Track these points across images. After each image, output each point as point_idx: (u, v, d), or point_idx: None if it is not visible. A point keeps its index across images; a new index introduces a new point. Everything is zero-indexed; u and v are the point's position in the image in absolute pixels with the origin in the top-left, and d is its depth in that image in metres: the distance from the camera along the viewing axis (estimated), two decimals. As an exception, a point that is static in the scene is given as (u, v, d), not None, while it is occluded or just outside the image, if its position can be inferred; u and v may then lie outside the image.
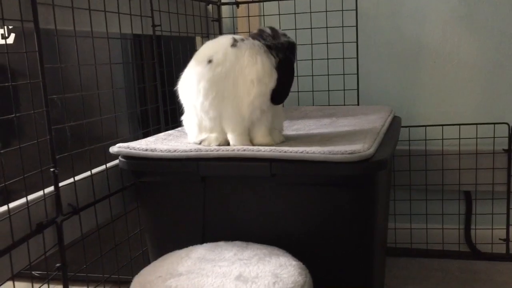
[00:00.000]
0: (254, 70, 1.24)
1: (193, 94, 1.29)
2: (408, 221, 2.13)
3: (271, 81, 1.26)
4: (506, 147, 1.98)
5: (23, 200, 1.13)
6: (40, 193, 1.17)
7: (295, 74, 1.33)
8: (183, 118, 1.39)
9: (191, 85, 1.29)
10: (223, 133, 1.30)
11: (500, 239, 2.04)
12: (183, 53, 1.81)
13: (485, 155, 2.00)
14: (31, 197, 1.15)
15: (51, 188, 1.21)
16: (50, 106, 1.18)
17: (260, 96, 1.25)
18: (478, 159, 2.00)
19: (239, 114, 1.27)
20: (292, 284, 1.03)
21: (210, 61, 1.26)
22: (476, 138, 2.01)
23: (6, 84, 1.11)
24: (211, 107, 1.27)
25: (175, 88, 1.37)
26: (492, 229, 2.05)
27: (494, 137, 2.00)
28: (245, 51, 1.26)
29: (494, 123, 2.00)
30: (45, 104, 1.16)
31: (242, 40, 1.29)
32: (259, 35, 1.29)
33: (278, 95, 1.28)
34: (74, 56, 1.30)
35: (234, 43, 1.27)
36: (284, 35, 1.30)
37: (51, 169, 1.18)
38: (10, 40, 1.78)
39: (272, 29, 1.31)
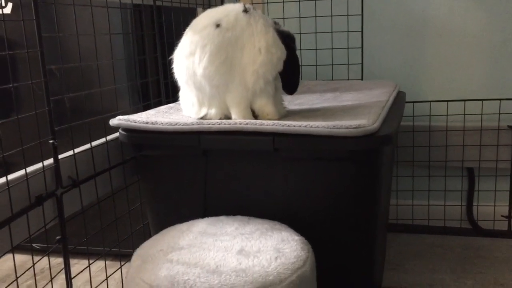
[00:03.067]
0: (264, 38, 1.22)
1: (195, 60, 1.22)
2: (410, 197, 2.12)
3: (278, 51, 1.23)
4: (511, 124, 1.96)
5: (22, 172, 1.11)
6: (39, 165, 1.16)
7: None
8: (180, 94, 1.36)
9: (193, 51, 1.23)
10: (224, 108, 1.27)
11: (502, 216, 2.04)
12: (184, 24, 1.77)
13: (489, 131, 1.98)
14: (30, 169, 1.14)
15: (51, 161, 1.19)
16: (49, 77, 1.15)
17: (265, 65, 1.22)
18: (483, 136, 1.98)
19: (244, 84, 1.24)
20: (294, 259, 1.02)
21: (218, 25, 1.22)
22: (481, 114, 1.98)
23: (3, 53, 1.08)
24: (216, 73, 1.21)
25: (170, 58, 1.32)
26: (494, 206, 2.05)
27: (499, 113, 1.97)
28: (258, 18, 1.24)
29: (500, 99, 1.97)
30: (43, 75, 1.13)
31: (254, 8, 1.26)
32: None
33: (290, 81, 1.27)
34: (73, 27, 1.27)
35: (246, 10, 1.24)
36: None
37: (50, 141, 1.16)
38: (8, 9, 1.75)
39: (273, 20, 1.29)
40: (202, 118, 1.28)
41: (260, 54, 1.22)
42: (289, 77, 1.27)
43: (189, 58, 1.24)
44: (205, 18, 1.27)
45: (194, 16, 2.05)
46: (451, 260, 1.84)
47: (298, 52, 1.30)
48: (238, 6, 1.25)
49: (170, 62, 1.34)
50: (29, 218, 1.12)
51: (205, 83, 1.24)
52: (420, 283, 1.69)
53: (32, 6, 1.11)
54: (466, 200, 2.11)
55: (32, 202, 1.13)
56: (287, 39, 1.25)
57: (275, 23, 1.27)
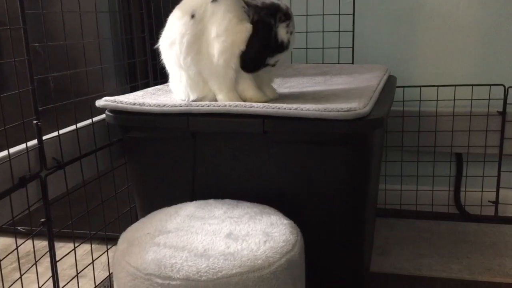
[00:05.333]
0: (215, 27, 1.18)
1: (176, 50, 1.23)
2: (399, 182, 2.12)
3: (229, 37, 1.17)
4: (500, 109, 1.96)
5: (5, 153, 1.09)
6: (23, 146, 1.13)
7: (281, 40, 1.20)
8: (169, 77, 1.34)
9: (174, 40, 1.23)
10: (211, 92, 1.26)
11: (489, 201, 2.05)
12: (173, 4, 1.73)
13: (479, 117, 1.98)
14: (13, 150, 1.11)
15: (35, 142, 1.16)
16: (33, 56, 1.12)
17: (222, 53, 1.18)
18: (472, 121, 1.98)
19: (217, 73, 1.22)
20: (283, 242, 1.01)
21: (193, 16, 1.21)
22: (471, 99, 1.98)
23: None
24: (192, 63, 1.22)
25: (157, 46, 1.31)
26: (482, 191, 2.06)
27: (489, 99, 1.97)
28: (222, 7, 1.19)
29: (490, 85, 1.97)
30: (26, 52, 1.10)
31: None
32: None
33: (246, 59, 1.19)
34: (58, 5, 1.23)
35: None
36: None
37: (34, 121, 1.13)
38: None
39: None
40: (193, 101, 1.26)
41: (215, 43, 1.19)
42: (246, 53, 1.19)
43: (172, 47, 1.25)
44: (184, 6, 1.25)
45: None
46: (438, 245, 1.85)
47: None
48: None
49: (158, 43, 1.31)
50: (12, 200, 1.09)
51: (188, 71, 1.24)
52: (407, 267, 1.70)
53: (14, -19, 1.07)
54: (454, 185, 2.12)
55: (15, 184, 1.10)
56: (262, 13, 1.19)
57: None
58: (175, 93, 1.32)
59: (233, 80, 1.23)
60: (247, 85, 1.25)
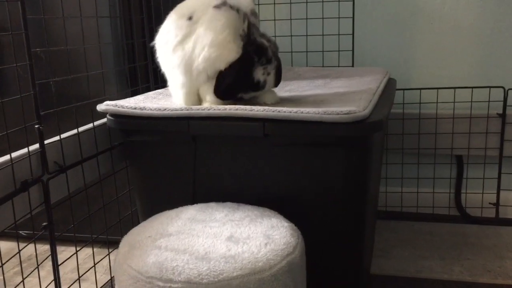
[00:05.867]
0: (209, 35, 1.18)
1: (169, 52, 1.24)
2: (400, 185, 2.12)
3: (218, 51, 1.17)
4: (500, 111, 1.96)
5: (7, 157, 1.09)
6: (25, 150, 1.13)
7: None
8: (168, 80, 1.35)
9: (167, 41, 1.24)
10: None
11: (490, 203, 2.05)
12: (173, 8, 1.74)
13: (479, 119, 1.98)
14: (15, 154, 1.11)
15: (36, 146, 1.17)
16: (34, 61, 1.13)
17: (207, 61, 1.19)
18: (472, 123, 1.99)
19: (189, 71, 1.22)
20: (284, 245, 1.02)
21: (190, 18, 1.21)
22: (471, 102, 1.99)
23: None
24: (180, 67, 1.22)
25: (151, 44, 1.31)
26: (482, 193, 2.06)
27: (489, 101, 1.97)
28: (223, 18, 1.18)
29: (490, 87, 1.97)
30: (28, 58, 1.11)
31: (231, 6, 1.20)
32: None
33: (220, 85, 1.19)
34: (59, 11, 1.24)
35: (220, 5, 1.20)
36: (263, 35, 1.23)
37: (36, 126, 1.14)
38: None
39: (256, 27, 1.23)
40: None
41: (204, 50, 1.19)
42: (223, 76, 1.19)
43: (165, 47, 1.25)
44: (183, 9, 1.25)
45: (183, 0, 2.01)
46: (439, 247, 1.85)
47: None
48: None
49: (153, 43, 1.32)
50: (14, 204, 1.10)
51: (179, 75, 1.25)
52: (408, 269, 1.70)
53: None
54: (454, 187, 2.12)
55: (17, 188, 1.10)
56: (251, 47, 1.19)
57: (249, 28, 1.20)
58: (174, 94, 1.33)
59: (198, 85, 1.23)
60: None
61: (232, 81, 1.20)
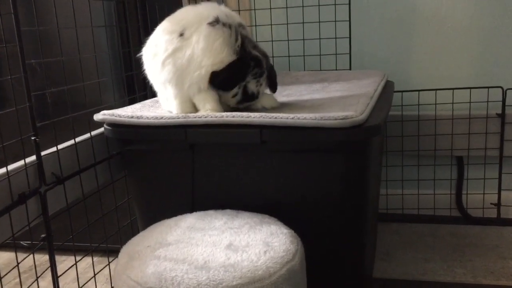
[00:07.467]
0: (211, 59, 1.19)
1: (158, 66, 1.24)
2: (400, 187, 2.11)
3: (210, 60, 1.19)
4: (499, 111, 1.96)
5: (3, 170, 1.09)
6: (22, 162, 1.13)
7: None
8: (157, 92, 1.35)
9: (156, 53, 1.25)
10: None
11: (491, 203, 2.04)
12: (168, 16, 1.74)
13: (478, 119, 1.97)
14: (12, 166, 1.11)
15: (33, 158, 1.17)
16: (29, 72, 1.12)
17: (199, 75, 1.20)
18: (471, 124, 1.98)
19: (181, 81, 1.23)
20: (283, 252, 1.01)
21: (181, 34, 1.21)
22: (470, 102, 1.98)
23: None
24: (173, 79, 1.23)
25: (138, 55, 1.32)
26: (483, 194, 2.05)
27: (487, 102, 1.97)
28: (219, 36, 1.19)
29: (488, 87, 1.97)
30: (22, 70, 1.10)
31: (224, 24, 1.20)
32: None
33: (218, 76, 1.20)
34: (53, 20, 1.24)
35: (214, 23, 1.20)
36: (256, 47, 1.24)
37: (32, 138, 1.14)
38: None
39: (248, 39, 1.25)
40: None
41: (199, 67, 1.20)
42: (218, 74, 1.20)
43: (154, 59, 1.26)
44: (175, 20, 1.25)
45: (179, 7, 2.02)
46: (441, 249, 1.85)
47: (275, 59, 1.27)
48: (207, 15, 1.21)
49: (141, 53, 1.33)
50: (12, 216, 1.09)
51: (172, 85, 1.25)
52: (410, 272, 1.70)
53: (10, -1, 1.08)
54: (455, 188, 2.12)
55: (14, 200, 1.10)
56: (243, 53, 1.21)
57: (243, 40, 1.22)
58: (164, 104, 1.34)
59: (192, 96, 1.24)
60: (210, 96, 1.24)
61: (229, 76, 1.21)
